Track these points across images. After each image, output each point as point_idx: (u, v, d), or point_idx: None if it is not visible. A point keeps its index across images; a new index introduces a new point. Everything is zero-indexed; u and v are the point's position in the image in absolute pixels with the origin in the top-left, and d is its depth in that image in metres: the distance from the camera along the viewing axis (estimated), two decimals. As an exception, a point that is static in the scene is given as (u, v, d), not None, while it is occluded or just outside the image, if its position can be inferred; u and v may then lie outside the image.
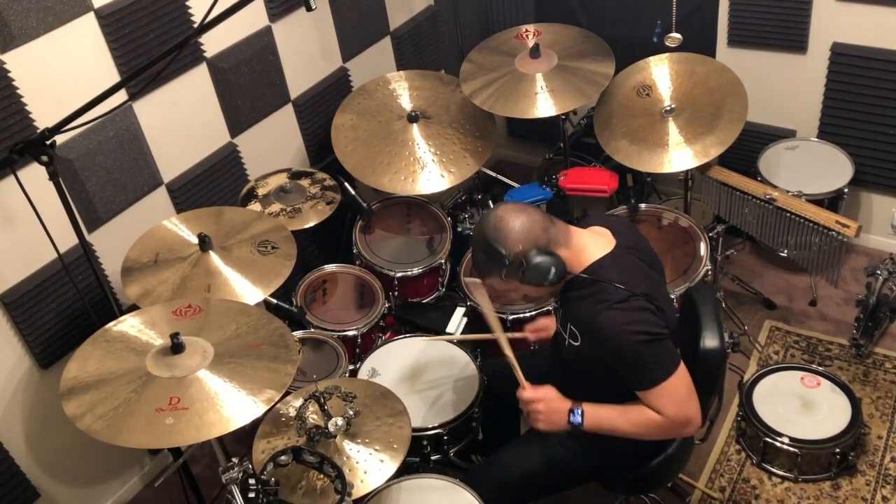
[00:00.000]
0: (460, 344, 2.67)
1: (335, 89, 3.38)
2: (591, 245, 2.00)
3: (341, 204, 3.01)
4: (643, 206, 3.08)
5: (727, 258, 3.42)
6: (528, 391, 2.09)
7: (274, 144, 3.22)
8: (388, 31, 3.61)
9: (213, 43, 2.85)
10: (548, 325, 2.41)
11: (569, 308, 2.04)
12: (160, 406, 1.76)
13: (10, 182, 2.19)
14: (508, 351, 2.13)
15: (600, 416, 2.00)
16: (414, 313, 2.96)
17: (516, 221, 1.93)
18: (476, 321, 2.86)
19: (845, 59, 3.20)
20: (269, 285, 2.38)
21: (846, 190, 3.19)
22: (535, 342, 2.44)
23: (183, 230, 2.54)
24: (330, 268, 2.97)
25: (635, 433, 1.98)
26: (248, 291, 2.36)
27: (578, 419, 1.99)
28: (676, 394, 1.90)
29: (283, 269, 2.43)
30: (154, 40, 2.61)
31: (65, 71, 2.42)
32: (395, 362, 2.58)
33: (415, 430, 2.16)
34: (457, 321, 2.81)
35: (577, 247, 1.98)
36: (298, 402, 2.17)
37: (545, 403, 2.05)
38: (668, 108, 2.96)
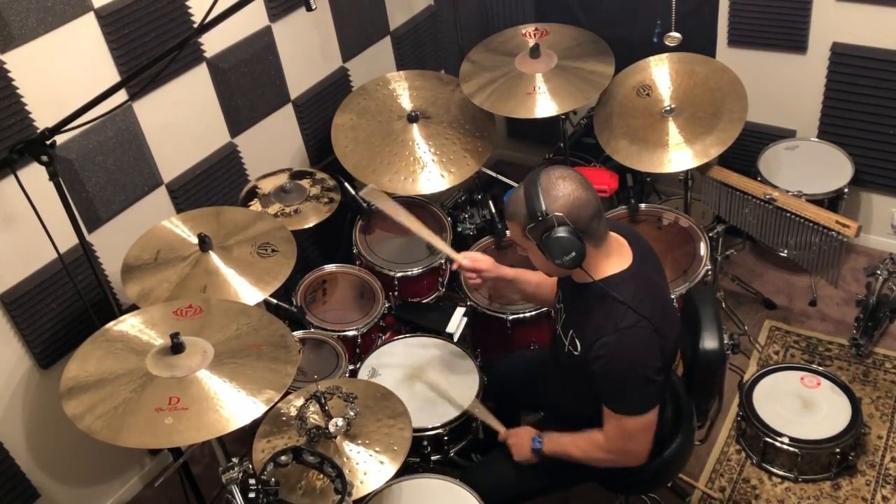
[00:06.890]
0: (460, 344, 2.67)
1: (335, 89, 3.38)
2: (615, 255, 1.97)
3: (341, 204, 3.01)
4: (643, 206, 3.07)
5: (727, 258, 3.42)
6: (502, 434, 2.28)
7: (274, 144, 3.21)
8: (388, 31, 3.61)
9: (213, 43, 2.85)
10: (488, 265, 2.28)
11: (574, 315, 2.03)
12: (160, 406, 1.76)
13: (10, 182, 2.19)
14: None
15: (555, 444, 2.13)
16: (414, 313, 2.96)
17: (575, 190, 1.86)
18: (476, 321, 2.86)
19: (845, 59, 3.20)
20: (268, 286, 2.38)
21: (846, 190, 3.19)
22: (472, 275, 2.32)
23: (183, 230, 2.53)
24: (330, 268, 2.97)
25: (584, 460, 2.07)
26: (248, 292, 2.36)
27: (538, 445, 2.15)
28: (635, 431, 1.95)
29: (282, 271, 2.42)
30: (154, 40, 2.61)
31: (65, 71, 2.42)
32: (395, 362, 2.58)
33: (415, 430, 2.16)
34: (457, 321, 2.81)
35: (604, 251, 1.94)
36: (300, 402, 2.17)
37: (516, 439, 2.22)
38: (668, 108, 2.96)
